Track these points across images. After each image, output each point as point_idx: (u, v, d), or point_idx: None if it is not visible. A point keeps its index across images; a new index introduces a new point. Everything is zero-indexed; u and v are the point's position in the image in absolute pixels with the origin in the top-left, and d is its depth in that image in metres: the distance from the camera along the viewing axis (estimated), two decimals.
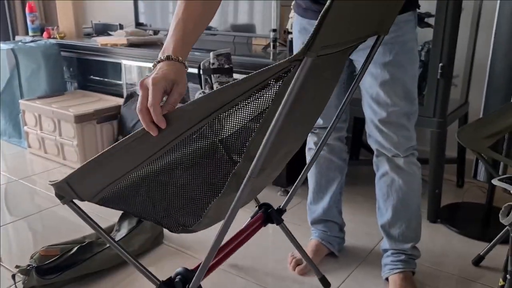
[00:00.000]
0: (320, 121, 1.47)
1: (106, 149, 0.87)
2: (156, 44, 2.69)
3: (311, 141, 1.55)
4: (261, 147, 0.81)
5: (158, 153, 0.88)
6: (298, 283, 1.50)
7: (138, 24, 3.08)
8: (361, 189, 2.16)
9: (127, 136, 0.87)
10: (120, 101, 2.59)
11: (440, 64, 1.71)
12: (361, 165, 2.35)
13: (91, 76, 3.00)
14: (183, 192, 1.01)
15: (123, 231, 1.68)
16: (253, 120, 0.89)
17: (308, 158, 1.59)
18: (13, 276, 1.43)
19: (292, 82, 0.76)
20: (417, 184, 1.41)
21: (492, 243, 1.57)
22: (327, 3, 0.69)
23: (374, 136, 1.38)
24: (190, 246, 1.71)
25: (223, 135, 0.93)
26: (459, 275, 1.54)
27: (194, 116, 0.84)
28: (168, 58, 0.87)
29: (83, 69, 3.01)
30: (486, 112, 1.74)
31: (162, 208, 1.03)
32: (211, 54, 1.92)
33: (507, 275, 1.12)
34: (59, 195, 0.94)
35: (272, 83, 0.82)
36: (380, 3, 0.96)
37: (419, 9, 1.36)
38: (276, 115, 0.78)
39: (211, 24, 2.74)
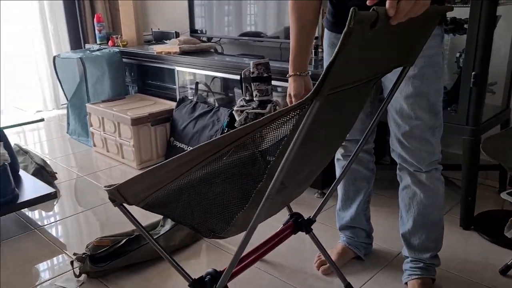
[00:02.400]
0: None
1: (155, 166, 0.98)
2: (208, 51, 2.86)
3: (338, 153, 1.62)
4: (277, 171, 0.90)
5: (201, 164, 0.98)
6: (322, 281, 1.60)
7: (192, 31, 3.28)
8: (393, 193, 2.19)
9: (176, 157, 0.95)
10: (173, 104, 2.80)
11: (473, 73, 1.71)
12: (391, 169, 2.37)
13: (149, 81, 3.25)
14: (218, 201, 1.11)
15: (167, 226, 1.86)
16: (276, 144, 0.98)
17: (337, 169, 1.66)
18: (72, 263, 1.65)
19: (303, 121, 0.84)
20: (439, 199, 1.44)
21: None
22: (334, 53, 0.75)
23: (396, 151, 1.42)
24: (226, 243, 1.86)
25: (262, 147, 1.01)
26: (483, 284, 1.55)
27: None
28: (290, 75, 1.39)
29: (142, 74, 3.27)
30: None
31: (199, 215, 1.15)
32: (251, 63, 2.05)
33: None
34: (111, 199, 1.10)
35: (292, 114, 0.89)
36: (393, 45, 1.00)
37: (446, 24, 1.38)
38: (291, 145, 0.86)
39: (260, 29, 2.87)
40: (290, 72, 1.41)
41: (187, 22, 3.34)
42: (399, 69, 1.18)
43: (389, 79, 1.35)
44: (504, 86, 2.05)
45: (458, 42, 2.03)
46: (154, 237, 1.77)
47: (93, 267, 1.62)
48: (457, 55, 2.00)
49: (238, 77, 2.44)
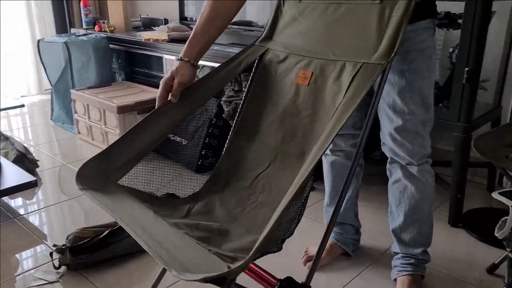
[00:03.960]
0: None
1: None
2: None
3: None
4: None
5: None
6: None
7: (182, 19, 3.21)
8: (381, 188, 2.18)
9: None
10: None
11: (466, 69, 1.69)
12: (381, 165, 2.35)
13: (137, 68, 3.18)
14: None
15: None
16: None
17: (324, 164, 1.63)
18: (51, 254, 1.60)
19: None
20: (430, 192, 1.43)
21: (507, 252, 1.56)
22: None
23: (388, 145, 1.40)
24: None
25: None
26: (470, 282, 1.54)
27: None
28: (179, 58, 1.19)
29: (130, 61, 3.19)
30: None
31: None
32: None
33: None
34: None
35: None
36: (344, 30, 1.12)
37: (437, 18, 1.36)
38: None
39: (251, 18, 2.81)
40: (182, 56, 1.20)
41: (176, 9, 3.27)
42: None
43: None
44: (496, 83, 2.03)
45: (451, 37, 2.01)
46: None
47: (74, 259, 1.58)
48: (450, 50, 1.98)
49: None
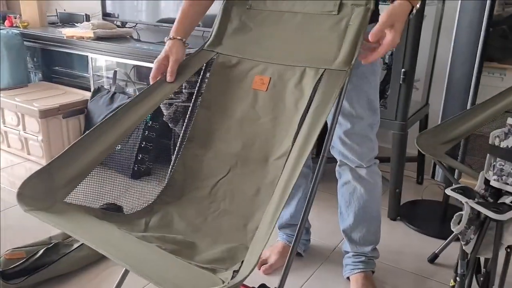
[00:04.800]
0: None
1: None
2: (125, 38, 2.65)
3: None
4: None
5: None
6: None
7: (105, 15, 3.02)
8: (327, 187, 2.23)
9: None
10: (87, 94, 2.55)
11: (403, 70, 1.77)
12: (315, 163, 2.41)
13: (56, 68, 2.94)
14: None
15: None
16: None
17: None
18: None
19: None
20: (378, 192, 1.48)
21: (446, 242, 1.67)
22: None
23: (337, 148, 1.42)
24: None
25: None
26: (415, 273, 1.63)
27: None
28: (169, 38, 1.21)
29: (48, 60, 2.94)
30: (445, 115, 1.82)
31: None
32: None
33: (457, 278, 1.20)
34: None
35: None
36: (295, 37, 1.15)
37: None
38: None
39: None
40: (174, 35, 1.23)
41: (95, 3, 3.07)
42: None
43: None
44: (424, 82, 2.16)
45: None
46: (75, 246, 1.60)
47: (7, 285, 1.41)
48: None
49: None
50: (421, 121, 2.18)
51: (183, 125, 1.32)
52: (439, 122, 1.84)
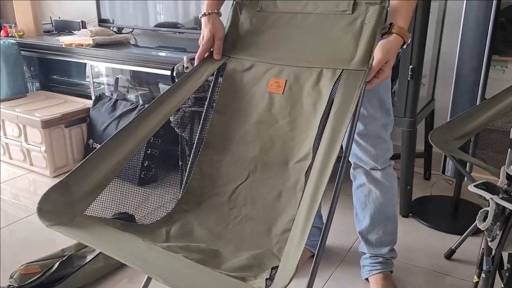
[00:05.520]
0: None
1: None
2: (124, 43, 2.62)
3: None
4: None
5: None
6: None
7: (101, 21, 2.99)
8: (331, 186, 2.22)
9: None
10: (88, 102, 2.52)
11: (410, 67, 1.77)
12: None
13: (54, 76, 2.90)
14: None
15: None
16: None
17: None
18: None
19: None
20: (394, 193, 1.46)
21: (462, 237, 1.66)
22: None
23: (351, 150, 1.40)
24: None
25: None
26: (434, 270, 1.62)
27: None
28: (204, 14, 1.21)
29: (45, 68, 2.90)
30: (453, 111, 1.82)
31: None
32: (185, 58, 1.90)
33: (482, 274, 1.20)
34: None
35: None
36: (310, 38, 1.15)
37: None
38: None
39: (178, 20, 2.70)
40: (211, 10, 1.24)
41: (92, 10, 3.04)
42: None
43: None
44: (429, 78, 2.16)
45: None
46: (89, 258, 1.58)
47: None
48: None
49: (161, 72, 2.27)
50: (427, 117, 2.18)
51: (198, 131, 1.31)
52: (448, 117, 1.84)
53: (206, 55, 1.23)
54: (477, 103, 1.74)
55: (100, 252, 1.59)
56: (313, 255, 1.64)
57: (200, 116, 2.02)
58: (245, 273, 0.98)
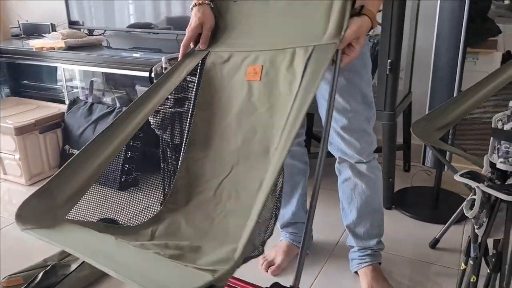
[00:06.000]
0: None
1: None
2: (97, 46, 2.56)
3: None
4: None
5: None
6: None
7: (71, 23, 2.91)
8: (322, 182, 2.23)
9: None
10: (62, 107, 2.45)
11: (389, 61, 1.79)
12: (312, 158, 2.42)
13: (25, 81, 2.81)
14: None
15: None
16: None
17: None
18: None
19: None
20: (379, 186, 1.48)
21: (446, 226, 1.70)
22: None
23: (336, 144, 1.41)
24: None
25: None
26: (420, 259, 1.65)
27: None
28: (195, 5, 1.19)
29: (15, 74, 2.81)
30: (432, 102, 1.85)
31: None
32: (163, 58, 1.87)
33: (470, 261, 1.22)
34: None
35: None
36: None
37: None
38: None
39: (150, 20, 2.66)
40: (199, 1, 1.22)
41: (61, 12, 2.95)
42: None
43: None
44: (405, 71, 2.20)
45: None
46: (74, 267, 1.54)
47: None
48: (370, 44, 2.08)
49: (138, 73, 2.23)
50: (405, 110, 2.22)
51: (186, 130, 1.29)
52: (426, 109, 1.87)
53: (191, 44, 1.22)
54: (455, 95, 1.78)
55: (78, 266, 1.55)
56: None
57: (181, 117, 2.00)
58: (221, 266, 0.96)
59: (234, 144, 1.17)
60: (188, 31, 1.20)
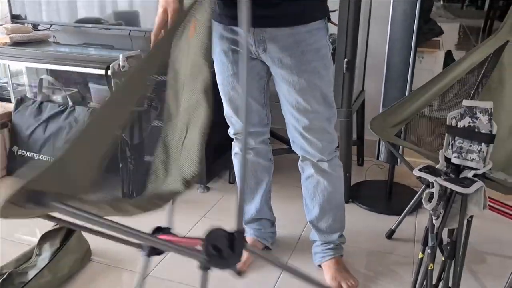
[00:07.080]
0: (240, 126, 1.51)
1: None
2: (44, 41, 2.45)
3: (236, 147, 1.60)
4: None
5: None
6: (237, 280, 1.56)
7: (14, 17, 2.76)
8: (277, 177, 2.27)
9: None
10: (8, 106, 2.32)
11: (345, 60, 1.86)
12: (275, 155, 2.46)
13: None
14: None
15: (46, 254, 1.56)
16: None
17: (235, 162, 1.63)
18: None
19: None
20: (341, 183, 1.54)
21: (401, 217, 1.79)
22: None
23: (298, 143, 1.45)
24: (122, 259, 1.66)
25: None
26: (377, 250, 1.73)
27: None
28: None
29: None
30: (386, 100, 1.94)
31: None
32: (121, 56, 1.83)
33: (427, 250, 1.31)
34: None
35: None
36: None
37: (329, 18, 1.44)
38: None
39: (101, 16, 2.57)
40: None
41: (3, 4, 2.78)
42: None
43: (278, 74, 1.36)
44: (358, 70, 2.28)
45: None
46: (32, 274, 1.48)
47: None
48: None
49: (91, 71, 2.17)
50: (358, 107, 2.30)
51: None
52: (380, 107, 1.96)
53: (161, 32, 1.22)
54: (407, 93, 1.87)
55: (44, 267, 1.49)
56: (266, 247, 1.69)
57: (140, 116, 1.97)
58: None
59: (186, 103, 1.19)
60: (156, 19, 1.22)
